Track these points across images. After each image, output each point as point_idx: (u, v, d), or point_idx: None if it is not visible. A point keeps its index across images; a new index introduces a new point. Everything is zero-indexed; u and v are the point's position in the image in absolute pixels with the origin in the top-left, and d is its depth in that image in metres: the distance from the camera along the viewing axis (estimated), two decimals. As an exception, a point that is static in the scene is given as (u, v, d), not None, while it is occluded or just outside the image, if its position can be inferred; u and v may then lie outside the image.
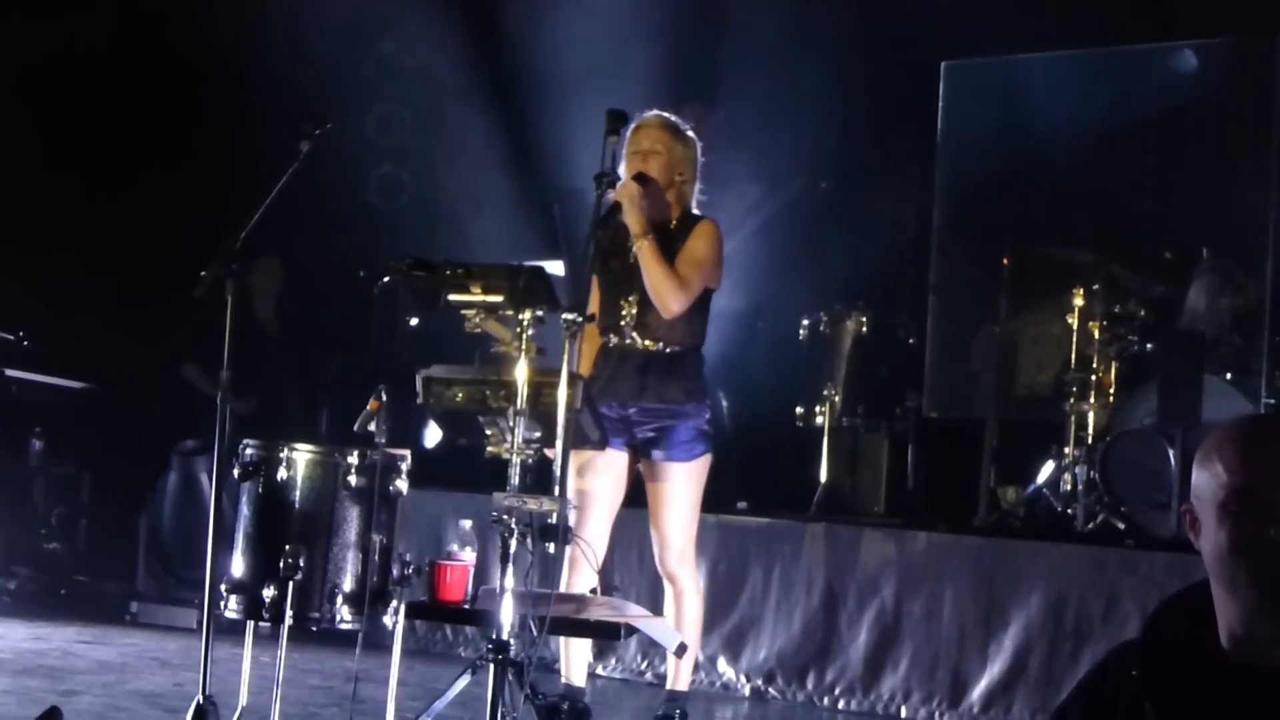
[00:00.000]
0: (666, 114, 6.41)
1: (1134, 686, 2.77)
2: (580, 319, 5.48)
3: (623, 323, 6.29)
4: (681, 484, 6.29)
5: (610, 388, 6.25)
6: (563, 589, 6.05)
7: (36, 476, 10.11)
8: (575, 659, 6.39)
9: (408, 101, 11.32)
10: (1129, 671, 2.79)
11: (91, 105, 10.71)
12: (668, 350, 6.28)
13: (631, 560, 7.89)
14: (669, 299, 6.17)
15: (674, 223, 6.34)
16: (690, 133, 6.40)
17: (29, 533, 9.92)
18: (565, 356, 5.42)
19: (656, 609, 6.51)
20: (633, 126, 6.30)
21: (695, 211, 6.42)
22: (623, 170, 6.27)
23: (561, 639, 6.34)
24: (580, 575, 6.14)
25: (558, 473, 5.46)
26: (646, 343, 6.27)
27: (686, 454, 6.28)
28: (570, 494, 6.08)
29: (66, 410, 10.21)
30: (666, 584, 6.44)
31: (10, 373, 9.83)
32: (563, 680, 6.37)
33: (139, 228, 10.69)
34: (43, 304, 10.23)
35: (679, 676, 6.47)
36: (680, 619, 6.35)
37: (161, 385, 10.29)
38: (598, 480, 6.24)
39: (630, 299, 6.28)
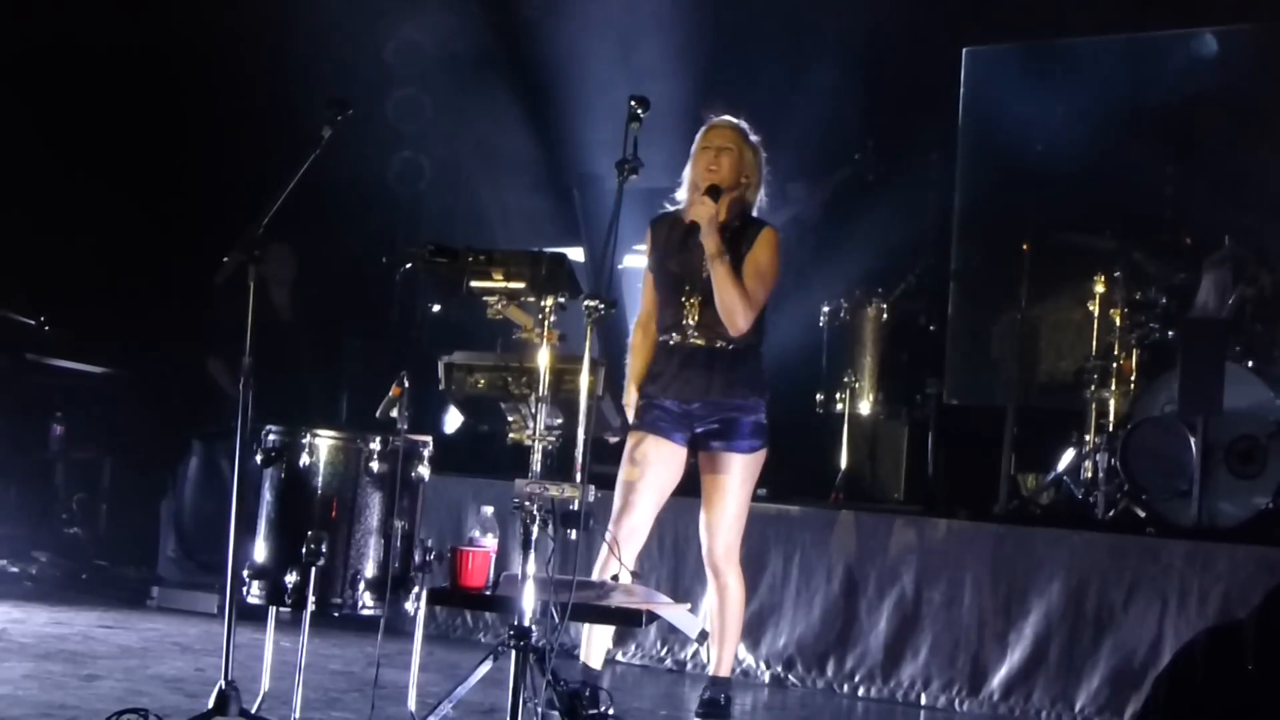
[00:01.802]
0: (738, 120, 6.47)
1: (1240, 681, 2.61)
2: (603, 306, 5.49)
3: (685, 322, 6.33)
4: (739, 475, 6.36)
5: (674, 385, 6.31)
6: (596, 574, 6.09)
7: (57, 461, 10.13)
8: (596, 643, 6.41)
9: (427, 87, 11.31)
10: (1230, 663, 2.63)
11: (113, 88, 10.71)
12: (731, 347, 6.34)
13: (652, 547, 7.86)
14: (738, 318, 6.27)
15: (738, 223, 6.40)
16: (756, 139, 6.48)
17: (50, 518, 9.94)
18: (587, 343, 5.43)
19: (678, 596, 6.53)
20: (705, 126, 6.43)
21: (755, 215, 6.47)
22: (687, 172, 6.40)
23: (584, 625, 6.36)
24: (613, 562, 6.14)
25: (579, 458, 5.47)
26: (710, 341, 6.33)
27: (748, 446, 6.37)
28: (620, 480, 6.21)
29: (87, 395, 10.23)
30: (710, 576, 6.51)
31: (31, 357, 9.85)
32: (581, 662, 6.37)
33: (159, 213, 10.70)
34: (63, 289, 10.24)
35: (721, 663, 6.56)
36: (724, 611, 6.44)
37: (182, 370, 10.30)
38: (651, 470, 6.30)
39: (692, 300, 6.33)
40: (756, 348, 6.44)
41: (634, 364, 6.46)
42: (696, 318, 6.33)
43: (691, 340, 6.34)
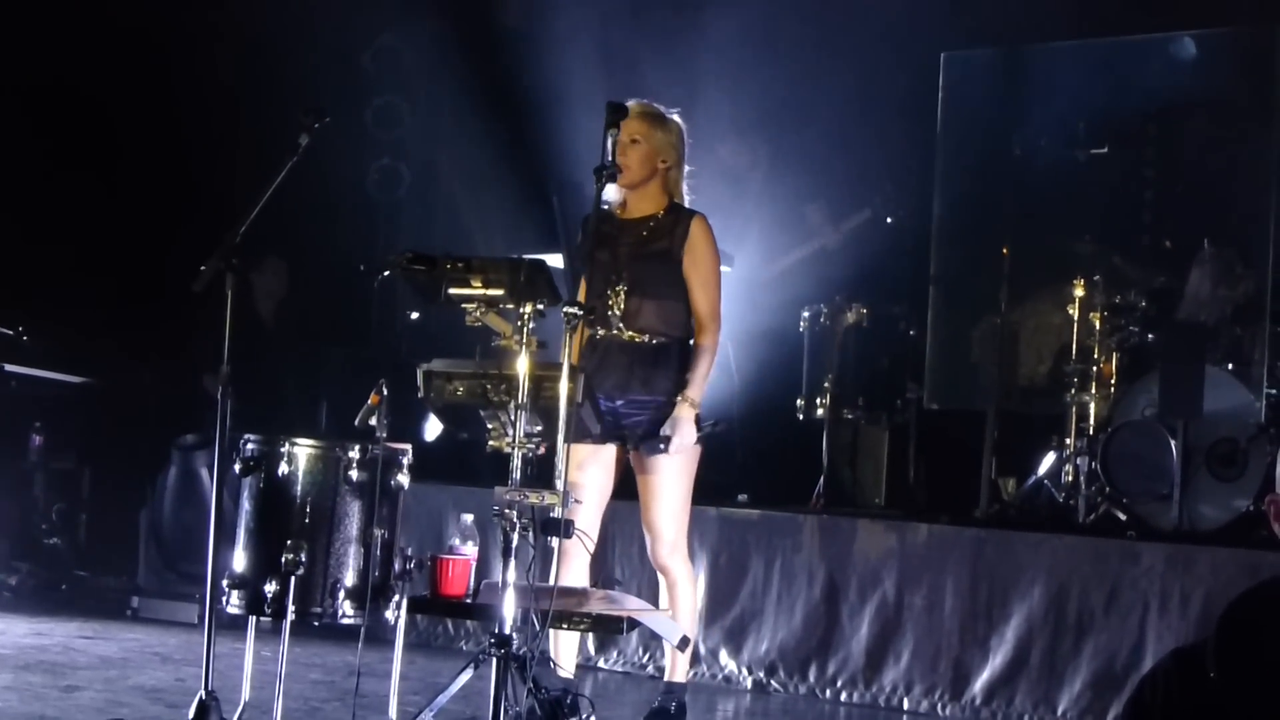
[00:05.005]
0: (645, 101, 6.35)
1: (1205, 692, 2.65)
2: (579, 312, 5.48)
3: (610, 314, 6.25)
4: (671, 475, 6.26)
5: (597, 379, 6.17)
6: (553, 580, 6.06)
7: (36, 471, 10.09)
8: (564, 650, 6.37)
9: (406, 94, 11.29)
10: (1189, 678, 2.68)
11: (89, 98, 10.69)
12: (654, 341, 6.25)
13: (632, 553, 7.88)
14: (716, 337, 6.28)
15: (662, 213, 6.32)
16: (674, 116, 6.37)
17: (29, 528, 9.90)
18: (565, 350, 5.41)
19: (657, 602, 6.50)
20: None
21: (686, 203, 6.37)
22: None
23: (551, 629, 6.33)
24: (571, 567, 6.12)
25: (559, 466, 5.46)
26: (633, 334, 6.25)
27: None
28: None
29: (66, 405, 10.19)
30: (660, 575, 6.45)
31: (9, 368, 9.82)
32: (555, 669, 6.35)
33: (138, 222, 10.67)
34: (41, 299, 10.21)
35: (675, 668, 6.49)
36: (675, 610, 6.35)
37: (161, 379, 10.27)
38: (588, 473, 6.21)
39: (617, 290, 6.24)
40: (683, 342, 6.30)
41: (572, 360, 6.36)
42: (621, 308, 6.23)
43: (614, 333, 6.24)
